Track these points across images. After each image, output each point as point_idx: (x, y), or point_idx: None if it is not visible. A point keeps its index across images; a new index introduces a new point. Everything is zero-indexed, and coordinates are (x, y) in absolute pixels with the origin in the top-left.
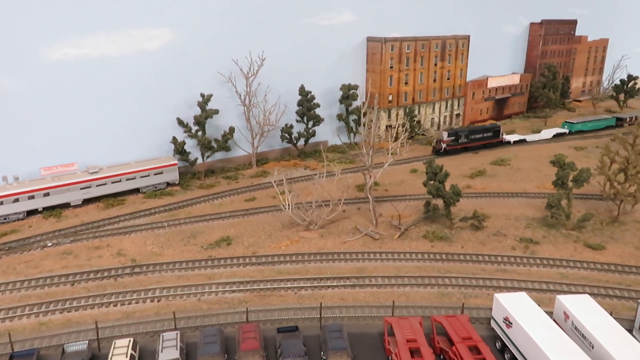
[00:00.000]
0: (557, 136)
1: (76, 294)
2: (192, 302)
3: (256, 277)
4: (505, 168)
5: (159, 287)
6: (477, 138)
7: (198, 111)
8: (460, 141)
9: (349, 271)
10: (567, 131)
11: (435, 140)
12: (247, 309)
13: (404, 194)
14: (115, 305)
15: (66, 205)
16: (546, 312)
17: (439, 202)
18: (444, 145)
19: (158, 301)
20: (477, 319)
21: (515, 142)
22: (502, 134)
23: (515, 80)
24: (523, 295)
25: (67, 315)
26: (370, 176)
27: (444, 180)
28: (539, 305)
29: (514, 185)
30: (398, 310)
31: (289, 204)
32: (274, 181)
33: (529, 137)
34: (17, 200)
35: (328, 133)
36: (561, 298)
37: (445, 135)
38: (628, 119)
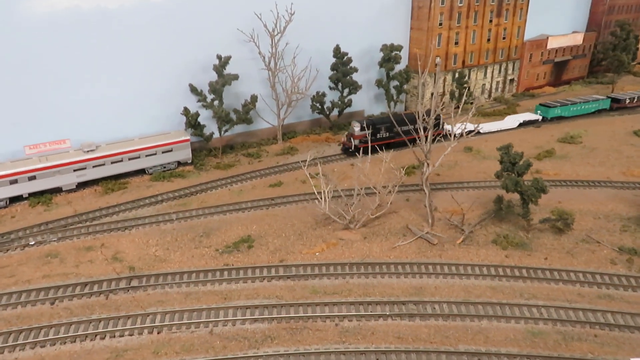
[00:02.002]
0: (525, 125)
1: (55, 318)
2: (201, 336)
3: (285, 298)
4: (577, 147)
5: (160, 310)
6: (405, 131)
7: (214, 76)
8: (380, 135)
9: (404, 292)
10: (540, 118)
11: (345, 134)
12: None
13: (459, 180)
14: (103, 338)
15: (57, 190)
16: None
17: (510, 195)
18: (355, 142)
19: (158, 333)
20: None
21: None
22: (443, 125)
23: (578, 40)
24: None
25: (40, 352)
26: (427, 164)
27: (524, 172)
28: None
29: (592, 170)
30: None
31: (325, 197)
32: (303, 164)
33: (485, 127)
34: None
35: (364, 101)
36: None
37: (357, 127)
38: (628, 100)
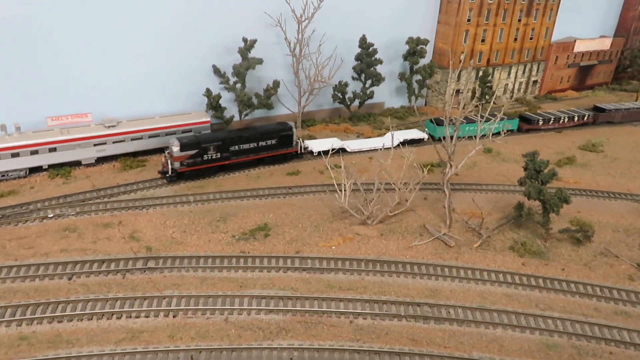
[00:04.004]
0: (408, 144)
1: (72, 293)
2: (216, 323)
3: (300, 291)
4: (599, 156)
5: (176, 294)
6: (245, 150)
7: (238, 59)
8: (208, 156)
9: (419, 293)
10: (426, 137)
11: (164, 155)
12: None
13: (478, 182)
14: (120, 318)
15: (76, 164)
16: None
17: (530, 201)
18: (175, 165)
19: (174, 316)
20: None
21: (324, 153)
22: (298, 141)
23: (606, 44)
24: None
25: (57, 327)
26: (450, 165)
27: (549, 180)
28: None
29: (613, 181)
30: None
31: (344, 191)
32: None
33: (353, 145)
34: (17, 154)
35: (385, 94)
36: None
37: (176, 147)
38: (541, 122)
